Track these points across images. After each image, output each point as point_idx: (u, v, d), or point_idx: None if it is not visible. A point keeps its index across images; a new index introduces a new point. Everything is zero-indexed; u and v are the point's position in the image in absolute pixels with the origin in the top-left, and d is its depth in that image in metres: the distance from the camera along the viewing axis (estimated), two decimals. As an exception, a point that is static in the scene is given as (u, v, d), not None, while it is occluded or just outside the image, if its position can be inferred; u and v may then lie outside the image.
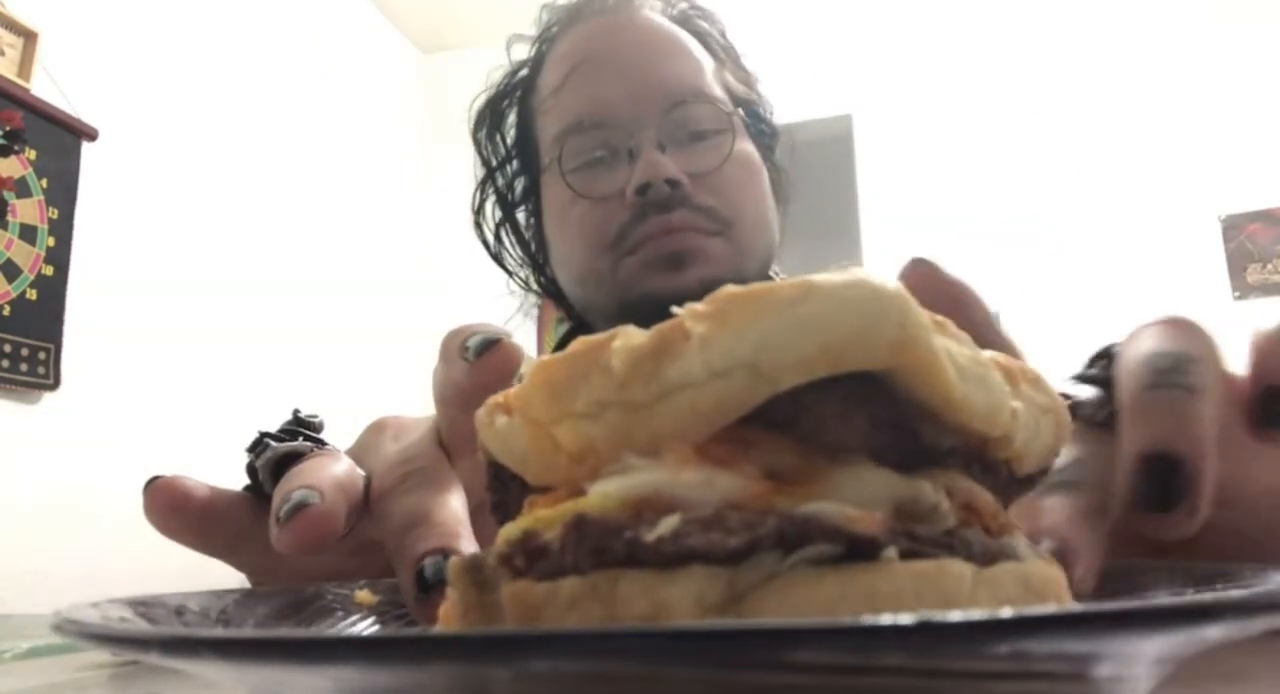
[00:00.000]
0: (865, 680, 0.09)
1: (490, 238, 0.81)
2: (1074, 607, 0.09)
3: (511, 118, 0.78)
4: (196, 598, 0.23)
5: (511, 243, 0.80)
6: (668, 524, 0.14)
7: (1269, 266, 2.66)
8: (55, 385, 1.96)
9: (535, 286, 0.81)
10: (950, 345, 0.20)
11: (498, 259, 0.81)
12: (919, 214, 2.92)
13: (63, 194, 2.03)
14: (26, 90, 1.96)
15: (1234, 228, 2.70)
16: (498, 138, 0.79)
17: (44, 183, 1.99)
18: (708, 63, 0.73)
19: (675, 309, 0.20)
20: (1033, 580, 0.16)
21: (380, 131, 3.30)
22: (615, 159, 0.67)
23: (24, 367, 1.91)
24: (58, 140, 2.02)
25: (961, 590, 0.14)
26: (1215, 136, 2.75)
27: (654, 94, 0.67)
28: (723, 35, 0.78)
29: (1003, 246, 2.80)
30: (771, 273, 0.76)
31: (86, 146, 2.09)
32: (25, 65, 1.98)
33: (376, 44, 3.35)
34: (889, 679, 0.09)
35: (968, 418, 0.19)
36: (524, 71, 0.77)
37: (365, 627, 0.27)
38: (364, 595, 0.27)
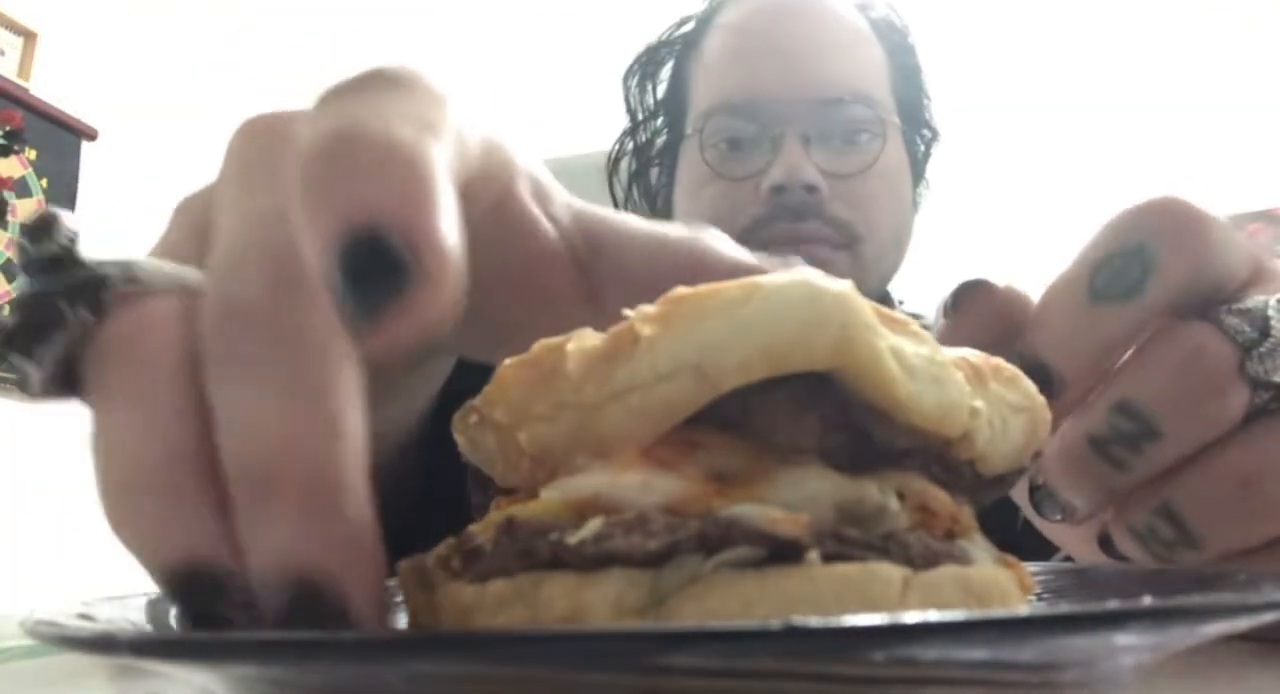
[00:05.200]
0: (759, 685, 0.09)
1: (620, 192, 0.78)
2: (961, 613, 0.09)
3: (666, 71, 0.76)
4: None
5: (639, 195, 0.78)
6: (590, 527, 0.14)
7: (1269, 267, 2.65)
8: (55, 385, 1.97)
9: None
10: (904, 344, 0.20)
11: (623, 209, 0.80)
12: (920, 212, 2.91)
13: (63, 194, 2.03)
14: (26, 90, 1.97)
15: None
16: (648, 87, 0.76)
17: (44, 183, 1.99)
18: (878, 60, 0.70)
19: (626, 311, 0.20)
20: (974, 584, 0.16)
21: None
22: (757, 142, 0.65)
23: (24, 366, 1.91)
24: (58, 140, 2.02)
25: (889, 594, 0.13)
26: (1215, 136, 2.74)
27: (810, 88, 0.64)
28: (904, 26, 0.76)
29: (1004, 245, 2.79)
30: (888, 289, 0.74)
31: (86, 146, 2.09)
32: (25, 65, 1.98)
33: (376, 44, 3.35)
34: (782, 684, 0.09)
35: (919, 417, 0.19)
36: (689, 26, 0.74)
37: None
38: None
